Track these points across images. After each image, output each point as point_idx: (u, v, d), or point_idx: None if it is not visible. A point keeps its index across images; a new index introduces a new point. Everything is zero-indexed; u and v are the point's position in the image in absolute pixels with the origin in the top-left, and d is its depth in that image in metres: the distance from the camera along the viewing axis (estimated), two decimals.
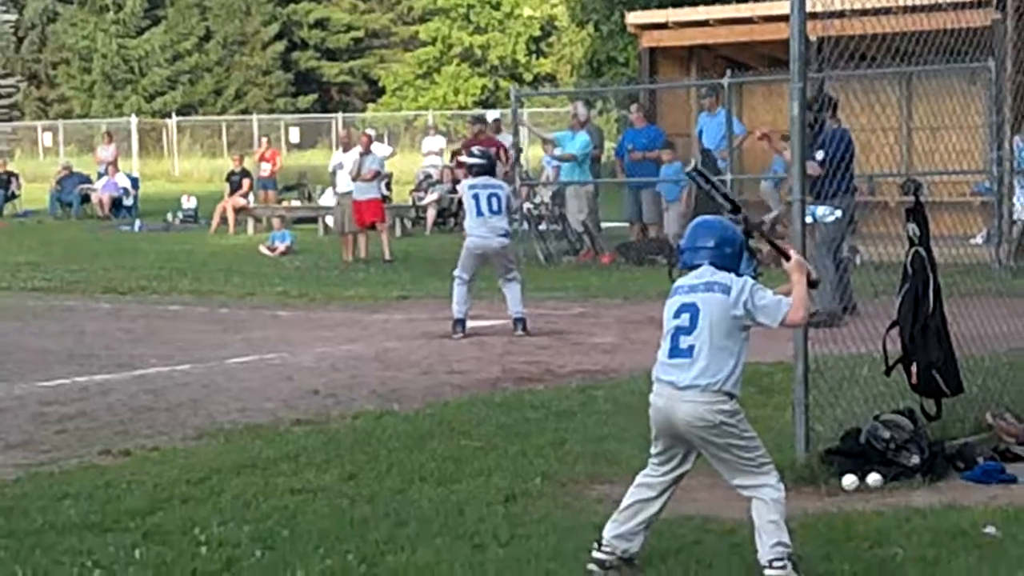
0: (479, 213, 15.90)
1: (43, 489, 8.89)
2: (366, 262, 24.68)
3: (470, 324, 15.96)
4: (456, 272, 15.98)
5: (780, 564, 6.64)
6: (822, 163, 11.98)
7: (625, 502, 6.98)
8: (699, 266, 6.88)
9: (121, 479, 9.09)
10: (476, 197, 15.96)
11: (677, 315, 6.79)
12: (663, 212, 24.20)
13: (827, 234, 14.74)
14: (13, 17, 77.30)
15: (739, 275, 6.80)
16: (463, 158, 17.82)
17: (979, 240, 19.49)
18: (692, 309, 6.75)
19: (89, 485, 8.93)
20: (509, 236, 16.31)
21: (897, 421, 9.06)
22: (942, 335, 9.40)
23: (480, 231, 15.90)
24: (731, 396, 6.70)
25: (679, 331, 6.76)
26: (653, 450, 6.96)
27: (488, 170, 16.36)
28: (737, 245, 6.89)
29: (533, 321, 16.22)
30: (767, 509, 6.72)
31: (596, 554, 6.97)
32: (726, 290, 6.72)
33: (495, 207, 15.87)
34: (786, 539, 6.68)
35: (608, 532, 6.96)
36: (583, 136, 24.88)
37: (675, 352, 6.76)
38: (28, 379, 13.55)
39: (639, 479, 7.00)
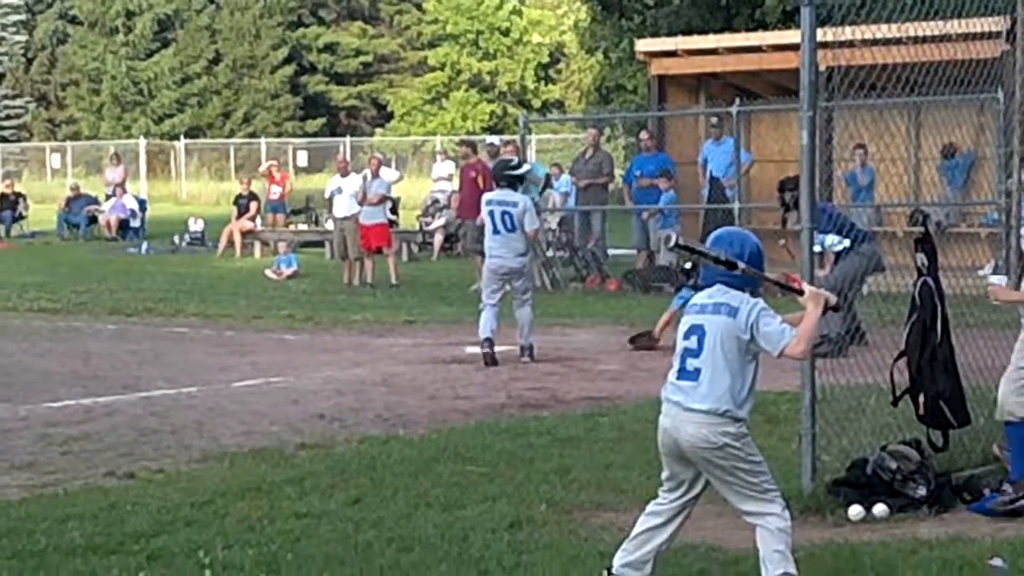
0: (495, 231, 15.89)
1: (48, 511, 8.88)
2: (372, 286, 24.64)
3: (475, 350, 15.90)
4: (483, 298, 15.89)
5: None
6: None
7: (635, 530, 6.95)
8: (714, 284, 6.82)
9: (126, 501, 9.10)
10: (491, 214, 15.92)
11: (687, 336, 6.77)
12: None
13: (846, 270, 14.61)
14: (23, 38, 77.59)
15: (754, 293, 6.77)
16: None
17: (987, 271, 19.43)
18: (699, 331, 6.72)
19: (94, 507, 8.94)
20: (526, 255, 16.23)
21: (904, 452, 9.03)
22: (949, 366, 9.37)
23: (499, 251, 15.86)
24: (737, 420, 6.65)
25: (687, 352, 6.74)
26: (663, 475, 6.94)
27: (506, 181, 16.18)
28: (752, 260, 6.79)
29: (539, 347, 16.18)
30: (772, 538, 6.69)
31: None
32: (733, 312, 6.67)
33: (509, 225, 15.81)
34: (792, 569, 6.66)
35: (618, 560, 6.93)
36: None
37: (682, 374, 6.74)
38: (33, 400, 13.55)
39: (649, 507, 6.97)
